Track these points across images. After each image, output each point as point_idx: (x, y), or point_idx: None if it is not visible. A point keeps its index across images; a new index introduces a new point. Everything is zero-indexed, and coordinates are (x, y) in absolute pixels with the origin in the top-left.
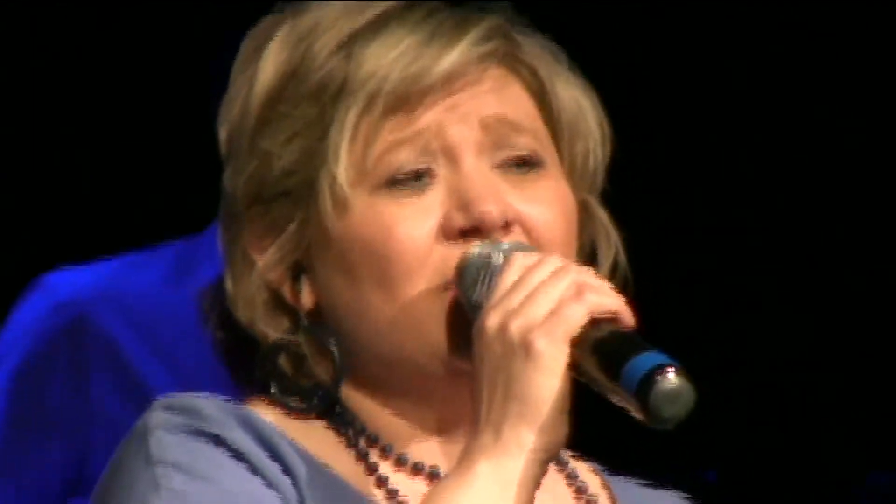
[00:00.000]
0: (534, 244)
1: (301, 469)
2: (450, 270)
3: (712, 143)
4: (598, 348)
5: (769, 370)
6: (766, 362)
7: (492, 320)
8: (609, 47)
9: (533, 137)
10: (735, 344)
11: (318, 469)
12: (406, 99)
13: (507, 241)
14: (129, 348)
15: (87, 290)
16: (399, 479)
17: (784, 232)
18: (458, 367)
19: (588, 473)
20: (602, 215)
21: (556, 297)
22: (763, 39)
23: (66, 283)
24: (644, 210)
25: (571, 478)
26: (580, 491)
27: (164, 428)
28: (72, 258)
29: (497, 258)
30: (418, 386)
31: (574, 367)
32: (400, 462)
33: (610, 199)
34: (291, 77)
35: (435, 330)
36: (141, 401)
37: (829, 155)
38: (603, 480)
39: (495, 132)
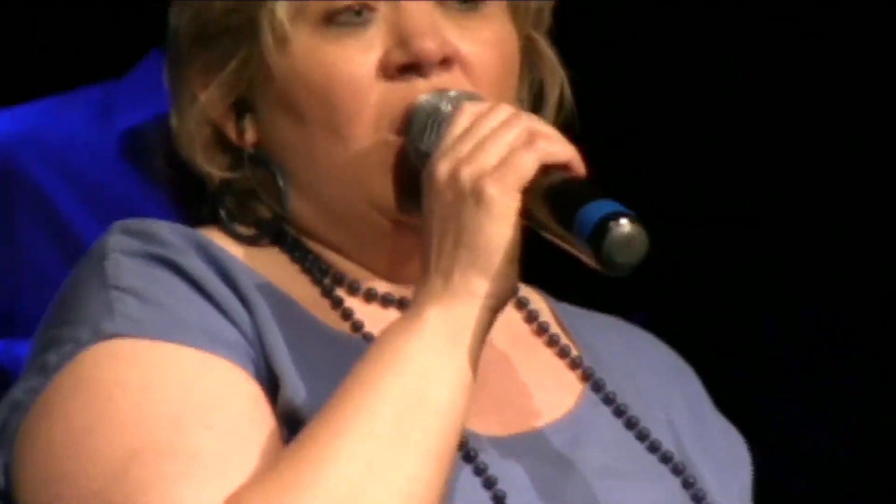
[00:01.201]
0: (471, 83)
1: (258, 298)
2: (393, 110)
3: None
4: (550, 196)
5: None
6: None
7: (442, 168)
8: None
9: None
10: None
11: (274, 294)
12: None
13: (455, 90)
14: (54, 191)
15: (9, 135)
16: (354, 303)
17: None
18: (404, 221)
19: (537, 300)
20: (548, 52)
21: (507, 145)
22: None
23: None
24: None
25: (521, 304)
26: (531, 317)
27: (122, 251)
28: None
29: (446, 106)
30: (363, 237)
31: (525, 214)
32: (353, 289)
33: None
34: None
35: (381, 181)
36: (67, 242)
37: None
38: (550, 307)
39: None
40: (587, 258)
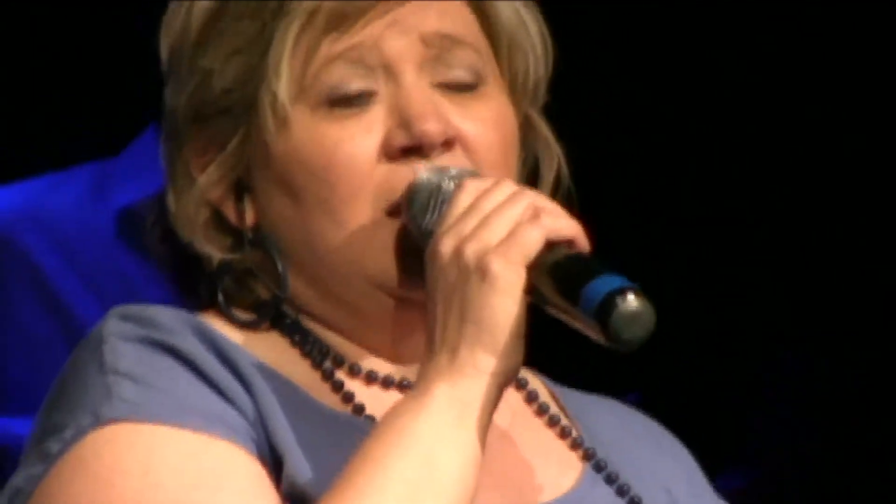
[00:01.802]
0: (472, 162)
1: (258, 380)
2: (393, 191)
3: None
4: (555, 271)
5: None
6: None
7: (446, 245)
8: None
9: (474, 52)
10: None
11: (274, 378)
12: (346, 14)
13: (456, 168)
14: (49, 266)
15: (6, 210)
16: (355, 385)
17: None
18: (407, 297)
19: (535, 381)
20: (544, 129)
21: (511, 221)
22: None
23: None
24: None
25: (521, 385)
26: (531, 398)
27: (119, 336)
28: None
29: (447, 184)
30: (364, 315)
31: (530, 290)
32: (354, 371)
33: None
34: None
35: (381, 259)
36: (61, 316)
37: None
38: (548, 388)
39: (436, 47)
40: (594, 334)
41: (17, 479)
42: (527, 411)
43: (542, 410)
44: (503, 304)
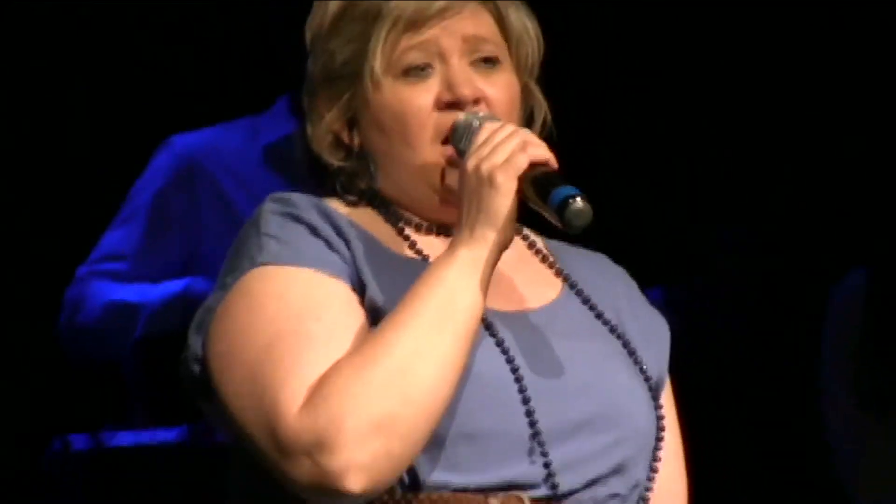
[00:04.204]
0: (492, 112)
1: (355, 240)
2: (443, 129)
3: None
4: (535, 182)
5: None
6: None
7: (470, 164)
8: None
9: (494, 45)
10: None
11: (367, 238)
12: (416, 22)
13: (482, 113)
14: (223, 182)
15: (196, 146)
16: (420, 238)
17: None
18: (448, 199)
19: (537, 238)
20: (537, 93)
21: (509, 150)
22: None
23: (184, 141)
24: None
25: (525, 238)
26: (531, 246)
27: (270, 212)
28: (183, 126)
29: (476, 124)
30: (424, 203)
31: (520, 193)
32: (420, 227)
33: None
34: (349, 7)
35: (435, 174)
36: (230, 213)
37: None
38: (544, 242)
39: (471, 42)
40: (556, 222)
41: (209, 301)
42: (528, 254)
43: (537, 253)
44: (503, 201)
